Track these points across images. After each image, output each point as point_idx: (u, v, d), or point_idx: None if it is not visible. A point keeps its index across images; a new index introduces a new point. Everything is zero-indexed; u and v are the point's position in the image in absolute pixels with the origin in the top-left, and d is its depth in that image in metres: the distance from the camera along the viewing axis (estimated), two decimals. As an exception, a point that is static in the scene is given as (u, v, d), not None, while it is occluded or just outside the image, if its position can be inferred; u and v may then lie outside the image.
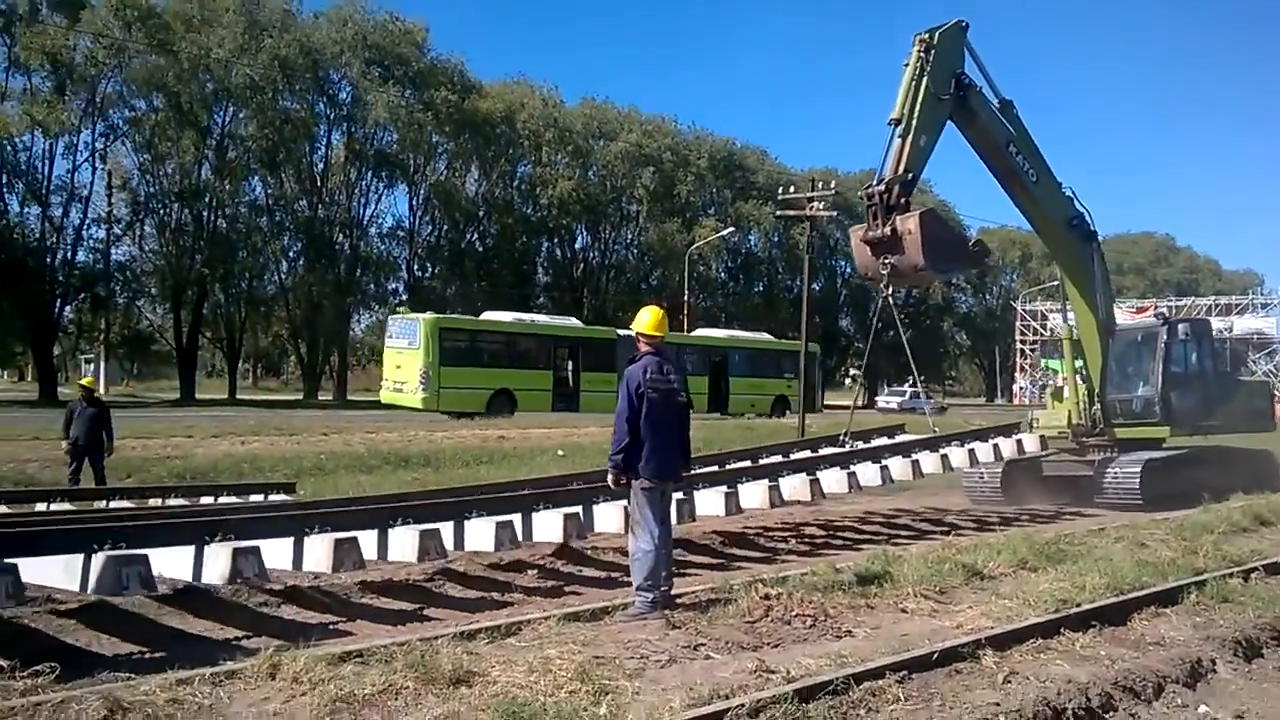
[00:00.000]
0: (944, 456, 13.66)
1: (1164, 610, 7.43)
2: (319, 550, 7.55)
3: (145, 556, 6.47)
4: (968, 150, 14.31)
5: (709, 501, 10.52)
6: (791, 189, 33.66)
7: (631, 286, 60.58)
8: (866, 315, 73.41)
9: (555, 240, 62.33)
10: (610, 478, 7.12)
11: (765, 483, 11.40)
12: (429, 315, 34.42)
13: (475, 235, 58.49)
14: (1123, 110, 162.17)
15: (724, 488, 10.80)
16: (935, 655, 5.72)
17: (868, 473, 12.73)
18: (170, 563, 7.10)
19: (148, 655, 6.04)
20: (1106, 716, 5.43)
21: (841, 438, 14.56)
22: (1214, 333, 20.99)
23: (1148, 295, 67.86)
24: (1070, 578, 7.99)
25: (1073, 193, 15.29)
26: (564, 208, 57.43)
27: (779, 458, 14.02)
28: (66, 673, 5.00)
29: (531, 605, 7.60)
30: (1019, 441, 15.13)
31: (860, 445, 14.57)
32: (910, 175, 12.56)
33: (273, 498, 12.58)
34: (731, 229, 59.59)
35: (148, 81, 45.00)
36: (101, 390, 47.38)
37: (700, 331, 45.09)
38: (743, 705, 4.61)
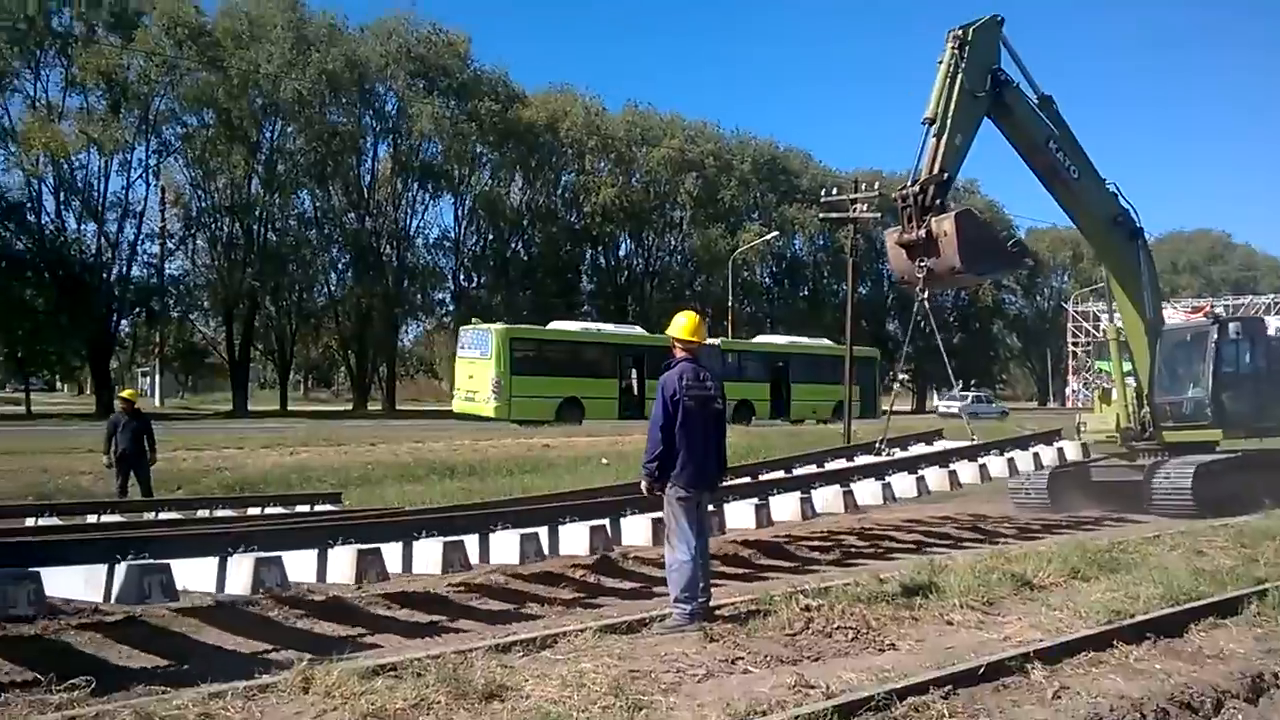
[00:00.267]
0: (982, 466, 13.16)
1: (1223, 621, 7.16)
2: (343, 562, 7.50)
3: (167, 566, 6.47)
4: (1011, 148, 14.05)
5: (739, 514, 10.25)
6: (835, 191, 33.37)
7: (675, 293, 60.42)
8: (923, 319, 72.61)
9: (599, 248, 62.41)
10: (644, 486, 7.02)
11: (797, 494, 11.09)
12: (500, 326, 34.99)
13: (520, 244, 58.79)
14: (1175, 104, 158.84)
15: (755, 499, 10.48)
16: (982, 669, 5.55)
17: (903, 484, 12.34)
18: (194, 575, 7.12)
19: (176, 669, 6.04)
20: (1162, 734, 5.22)
21: (878, 445, 14.27)
22: (1269, 331, 20.31)
23: (1203, 294, 66.16)
24: (1124, 588, 7.76)
25: (1117, 189, 14.94)
26: (607, 215, 57.50)
27: (813, 467, 13.70)
28: (99, 686, 5.02)
29: (570, 617, 7.52)
30: (1060, 450, 14.51)
31: (897, 452, 14.22)
32: (946, 175, 12.32)
33: (318, 507, 12.65)
34: (775, 233, 59.27)
35: (198, 98, 45.85)
36: (156, 403, 48.63)
37: (761, 338, 45.26)
38: (779, 722, 4.50)
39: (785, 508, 10.77)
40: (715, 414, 6.98)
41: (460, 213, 56.47)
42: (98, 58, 42.82)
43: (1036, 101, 14.01)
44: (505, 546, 8.48)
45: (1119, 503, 15.25)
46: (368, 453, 22.04)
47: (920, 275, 12.18)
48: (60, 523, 10.80)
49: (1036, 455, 13.93)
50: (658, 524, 9.00)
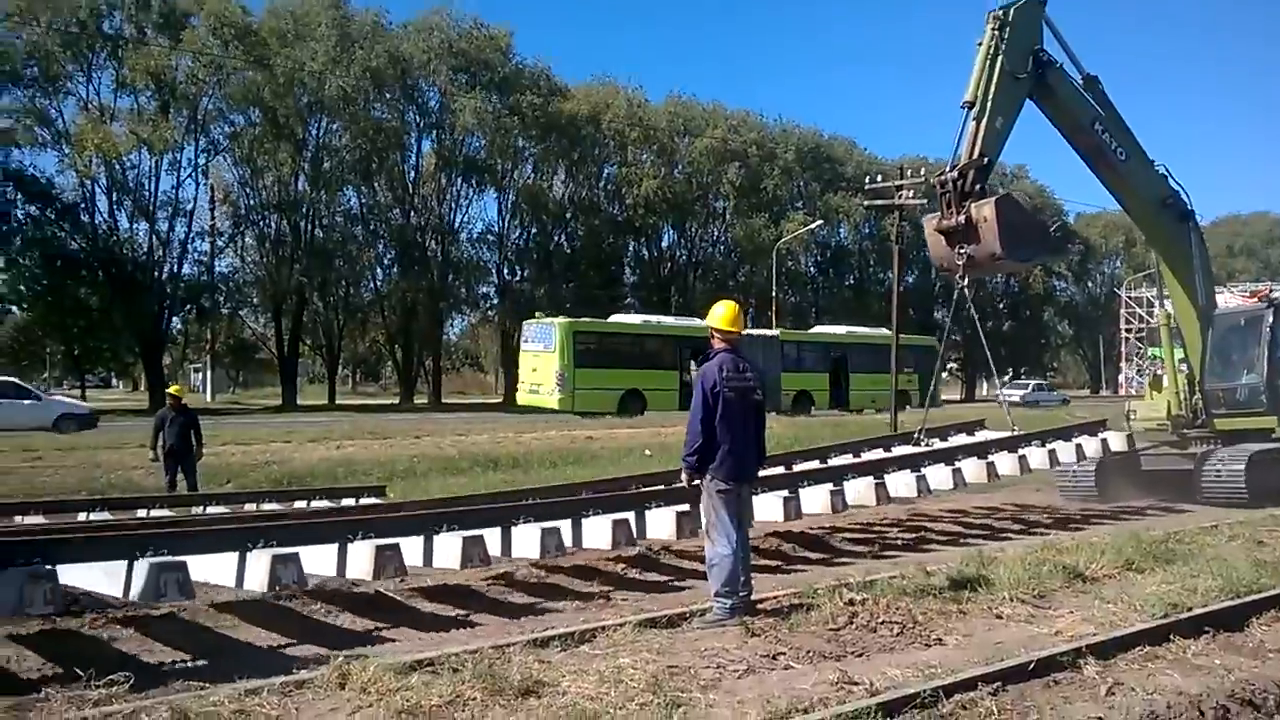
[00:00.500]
0: (1022, 458, 12.72)
1: (1286, 615, 6.91)
2: (362, 556, 7.45)
3: (184, 564, 6.49)
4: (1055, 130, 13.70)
5: (767, 506, 9.96)
6: (880, 178, 32.99)
7: (719, 283, 60.15)
8: (964, 307, 71.71)
9: (642, 239, 62.27)
10: (684, 479, 6.95)
11: (828, 486, 10.81)
12: (563, 319, 35.63)
13: (563, 237, 58.87)
14: (1229, 85, 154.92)
15: (784, 492, 10.21)
16: (1032, 665, 5.38)
17: (938, 476, 11.95)
18: (214, 571, 7.15)
19: (212, 665, 6.04)
20: (1222, 732, 5.01)
21: (917, 435, 14.00)
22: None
23: (1260, 278, 64.40)
24: (1180, 579, 7.52)
25: (1166, 170, 14.48)
26: (650, 206, 57.39)
27: (849, 457, 13.48)
28: (136, 683, 5.04)
29: (609, 610, 7.43)
30: (1104, 441, 13.91)
31: (936, 443, 13.91)
32: (986, 160, 11.98)
33: (362, 500, 12.72)
34: (820, 222, 58.77)
35: (245, 97, 46.53)
36: (208, 398, 49.51)
37: (819, 329, 45.34)
38: (822, 720, 4.38)
39: (815, 500, 10.52)
40: (755, 405, 6.86)
41: (504, 206, 56.83)
42: (147, 59, 43.63)
43: (1081, 82, 13.61)
44: (528, 540, 8.36)
45: (1169, 492, 14.79)
46: (413, 446, 22.19)
47: (960, 262, 11.85)
48: (110, 518, 10.99)
49: (1079, 446, 13.47)
50: (682, 517, 9.02)
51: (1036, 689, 5.20)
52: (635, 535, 9.05)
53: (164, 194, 46.59)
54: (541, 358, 34.62)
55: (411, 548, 7.85)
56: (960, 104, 12.20)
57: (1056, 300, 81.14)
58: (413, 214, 53.04)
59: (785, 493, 10.14)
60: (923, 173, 32.55)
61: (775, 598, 7.12)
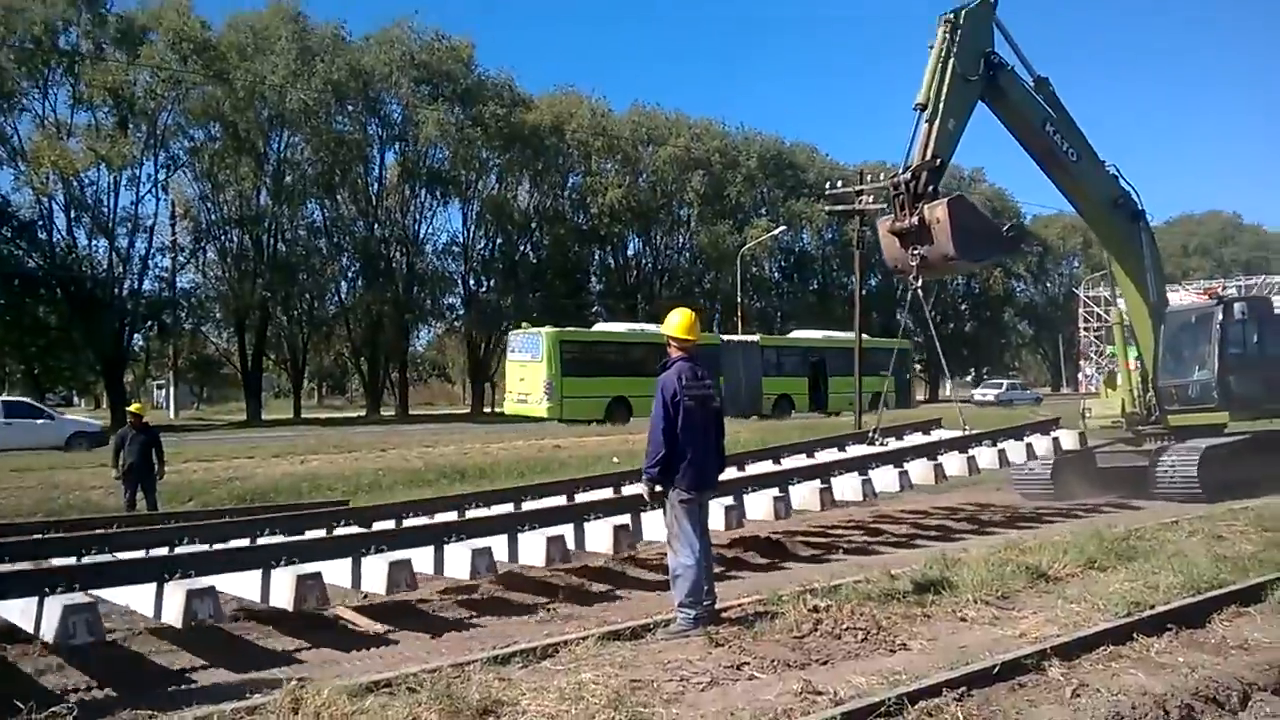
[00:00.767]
0: (971, 459, 12.57)
1: (1246, 609, 6.96)
2: (283, 585, 7.21)
3: (93, 604, 6.29)
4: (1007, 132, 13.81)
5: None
6: (840, 184, 33.21)
7: (685, 290, 60.20)
8: (920, 309, 72.22)
9: (607, 248, 62.21)
10: (645, 492, 6.84)
11: (773, 491, 10.61)
12: (550, 329, 35.88)
13: (528, 247, 58.64)
14: (1180, 85, 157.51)
15: (728, 499, 9.91)
16: (997, 668, 5.37)
17: (885, 478, 11.73)
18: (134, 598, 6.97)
19: (157, 692, 5.90)
20: (1187, 731, 5.01)
21: (871, 435, 14.02)
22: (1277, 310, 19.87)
23: (1215, 276, 65.45)
24: (1143, 577, 7.57)
25: (1117, 170, 14.70)
26: (615, 215, 57.34)
27: (803, 458, 13.37)
28: (83, 713, 4.89)
29: (574, 624, 7.34)
30: (1055, 440, 13.81)
31: (891, 442, 13.91)
32: (939, 161, 12.08)
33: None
34: (783, 228, 59.05)
35: (205, 111, 45.90)
36: (171, 415, 48.82)
37: (797, 333, 45.67)
38: (785, 732, 4.33)
39: (759, 506, 10.29)
40: (714, 413, 6.82)
41: (468, 217, 56.48)
42: (104, 74, 42.91)
43: (1032, 84, 13.77)
44: (460, 561, 8.08)
45: (1125, 489, 14.95)
46: (378, 459, 21.95)
47: (914, 264, 11.91)
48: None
49: (1029, 446, 13.42)
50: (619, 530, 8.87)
51: (1002, 693, 5.18)
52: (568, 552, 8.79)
53: (123, 210, 45.85)
54: (529, 367, 34.93)
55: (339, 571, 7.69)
56: (913, 106, 12.27)
57: (1017, 301, 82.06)
58: (377, 226, 52.62)
59: (730, 500, 9.92)
60: (882, 177, 32.79)
61: (740, 605, 7.07)
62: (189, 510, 13.90)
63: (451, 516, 10.40)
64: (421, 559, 8.07)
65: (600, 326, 40.48)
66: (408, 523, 9.99)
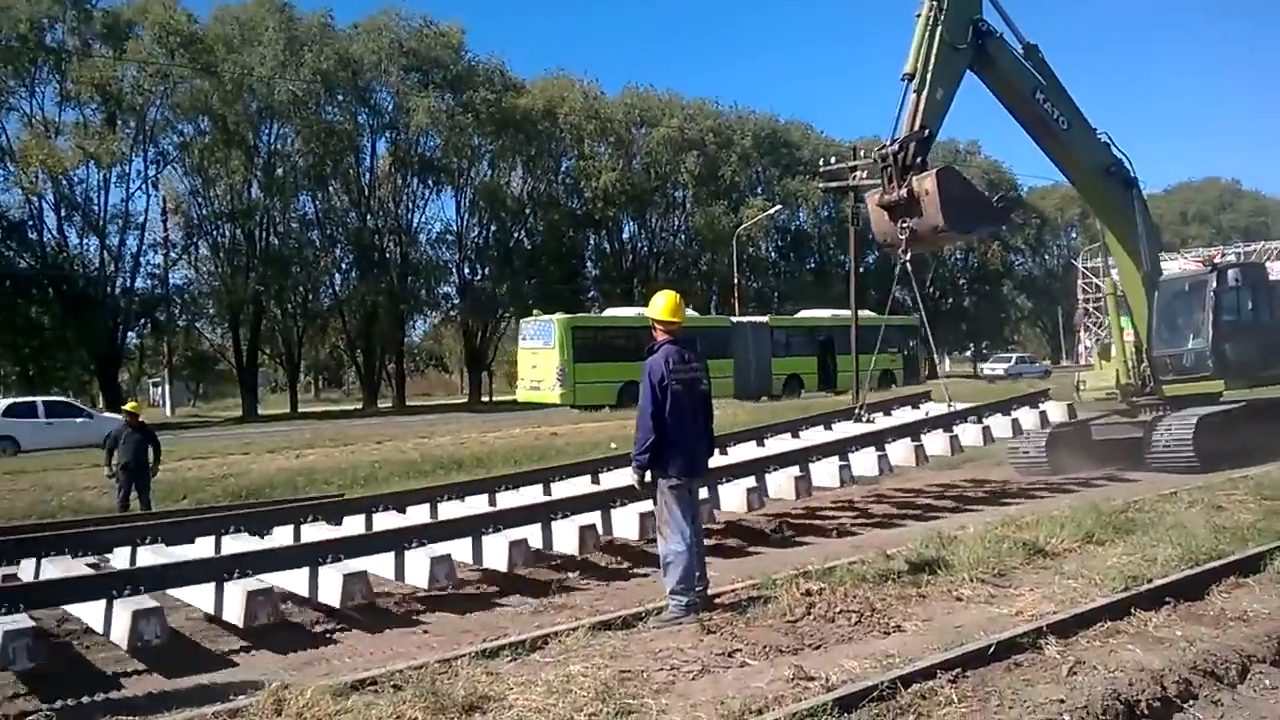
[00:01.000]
0: (954, 438, 12.15)
1: (1245, 580, 6.89)
2: (234, 600, 7.03)
3: (30, 629, 6.13)
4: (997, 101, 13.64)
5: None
6: (833, 161, 33.02)
7: (681, 273, 60.00)
8: (924, 285, 72.18)
9: (602, 232, 61.91)
10: (635, 479, 6.73)
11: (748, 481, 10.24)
12: (561, 316, 36.26)
13: (522, 233, 58.37)
14: (1177, 50, 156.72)
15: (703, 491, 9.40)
16: (992, 648, 5.29)
17: (865, 461, 11.33)
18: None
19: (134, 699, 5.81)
20: (1185, 706, 4.92)
21: (857, 411, 13.83)
22: (1275, 276, 19.70)
23: (1214, 243, 65.26)
24: (1140, 550, 7.48)
25: (1109, 138, 14.51)
26: (609, 199, 57.03)
27: (787, 437, 13.17)
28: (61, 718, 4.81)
29: (565, 614, 7.24)
30: (1043, 413, 13.48)
31: (879, 418, 13.71)
32: (927, 132, 11.90)
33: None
34: (779, 207, 58.79)
35: (193, 105, 45.65)
36: (168, 412, 48.77)
37: (805, 313, 45.56)
38: (776, 720, 4.24)
39: (732, 497, 10.00)
40: (703, 395, 6.72)
41: (461, 205, 56.15)
42: (91, 71, 42.77)
43: (1021, 51, 13.59)
44: (421, 568, 7.85)
45: (1122, 461, 14.81)
46: (374, 451, 21.89)
47: (903, 237, 11.72)
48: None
49: (1015, 421, 13.14)
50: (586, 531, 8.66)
51: (998, 673, 5.10)
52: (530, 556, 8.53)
53: (114, 207, 45.70)
54: (541, 354, 35.11)
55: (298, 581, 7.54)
56: (900, 76, 12.11)
57: (1015, 274, 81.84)
58: (369, 217, 52.33)
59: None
60: (876, 152, 32.55)
61: (733, 590, 6.99)
62: (170, 510, 13.78)
63: (425, 512, 10.39)
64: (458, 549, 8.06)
65: (611, 312, 40.54)
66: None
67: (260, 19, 46.98)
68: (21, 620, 6.16)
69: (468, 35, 53.68)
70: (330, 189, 51.86)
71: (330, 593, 7.36)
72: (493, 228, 57.05)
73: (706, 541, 7.74)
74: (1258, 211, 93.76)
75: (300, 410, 51.20)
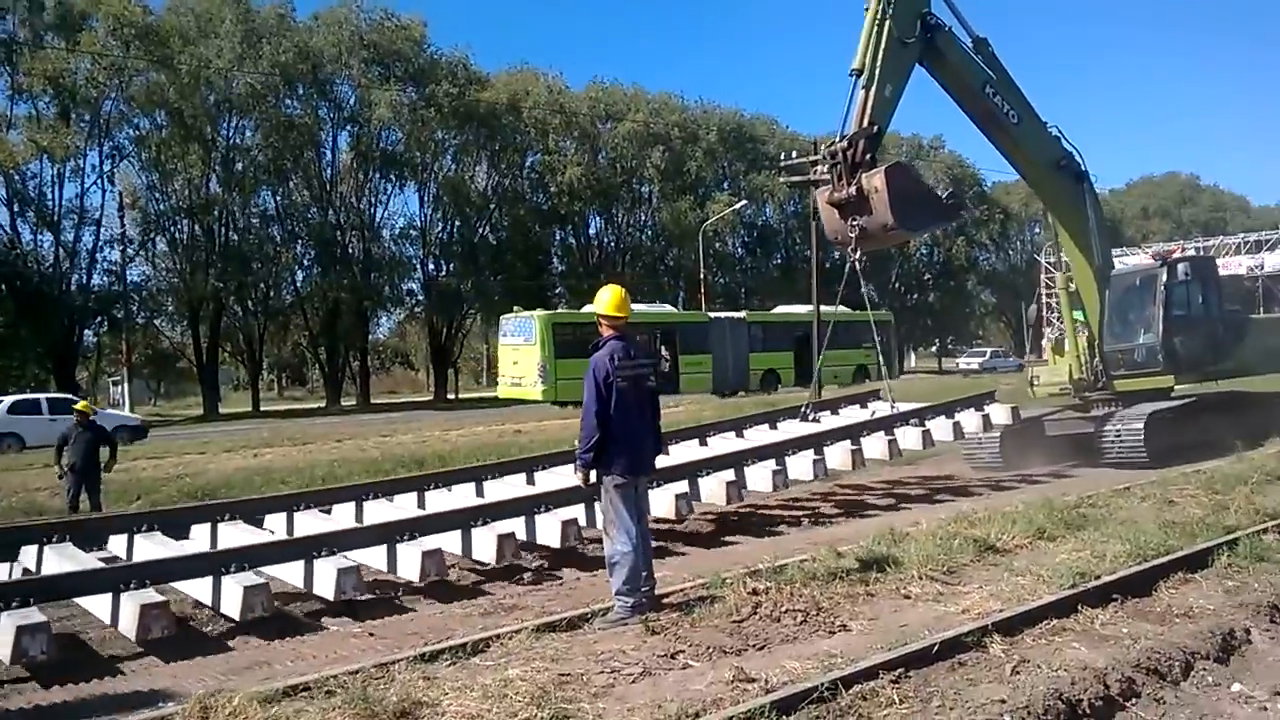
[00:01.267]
0: (891, 441, 11.94)
1: (1193, 576, 6.91)
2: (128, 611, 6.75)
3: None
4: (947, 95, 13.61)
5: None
6: (794, 155, 33.01)
7: (648, 268, 59.91)
8: (889, 280, 72.54)
9: (568, 228, 61.61)
10: (579, 477, 6.62)
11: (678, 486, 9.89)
12: (542, 312, 36.59)
13: (487, 229, 57.91)
14: (1138, 47, 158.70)
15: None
16: (936, 647, 5.24)
17: (800, 466, 11.08)
18: None
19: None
20: (1128, 704, 4.90)
21: (804, 410, 13.65)
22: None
23: (1174, 237, 66.12)
24: (1090, 546, 7.49)
25: (1060, 132, 14.56)
26: (575, 194, 56.79)
27: (731, 435, 13.00)
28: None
29: (511, 616, 7.11)
30: (986, 417, 13.27)
31: (825, 416, 13.62)
32: (876, 128, 11.85)
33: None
34: (744, 202, 58.82)
35: (149, 98, 44.83)
36: (128, 411, 47.94)
37: (782, 309, 45.66)
38: (711, 724, 4.16)
39: (662, 503, 9.53)
40: (649, 393, 6.63)
41: (425, 200, 55.66)
42: (44, 63, 41.92)
43: (971, 45, 13.55)
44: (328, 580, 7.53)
45: (1076, 456, 14.83)
46: (334, 450, 21.60)
47: (853, 235, 11.66)
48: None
49: (957, 425, 12.93)
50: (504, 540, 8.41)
51: (941, 672, 5.05)
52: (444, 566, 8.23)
53: (68, 202, 44.90)
54: (522, 350, 35.23)
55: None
56: (849, 72, 12.03)
57: (980, 270, 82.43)
58: (331, 212, 51.68)
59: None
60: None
61: (682, 590, 6.90)
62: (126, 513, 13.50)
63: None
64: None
65: (589, 308, 40.40)
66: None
67: (217, 10, 46.28)
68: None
69: (429, 28, 53.22)
70: (291, 184, 51.16)
71: (232, 604, 7.13)
72: (457, 223, 56.58)
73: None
74: (1217, 207, 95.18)
75: (263, 409, 50.55)
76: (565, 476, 10.63)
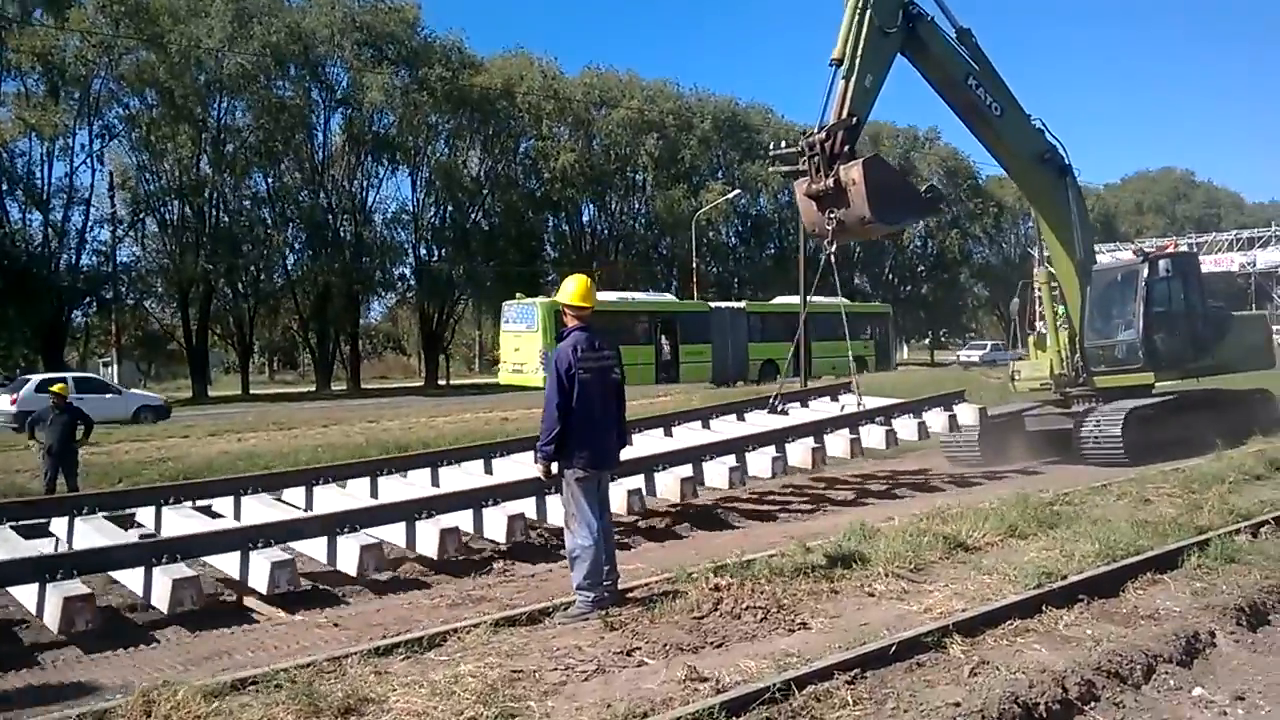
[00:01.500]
0: (854, 440, 11.80)
1: (1161, 577, 6.86)
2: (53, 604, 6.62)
3: None
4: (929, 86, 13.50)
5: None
6: (783, 144, 32.94)
7: (641, 257, 59.71)
8: (883, 272, 72.49)
9: (561, 215, 61.38)
10: (540, 470, 6.53)
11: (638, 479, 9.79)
12: (544, 299, 36.12)
13: (480, 215, 57.60)
14: (1136, 44, 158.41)
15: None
16: (894, 648, 5.18)
17: (759, 463, 10.89)
18: None
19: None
20: (1086, 708, 4.85)
21: (772, 401, 13.56)
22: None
23: (1167, 233, 66.18)
24: (1060, 545, 7.44)
25: (1043, 125, 14.44)
26: (568, 180, 56.52)
27: (697, 425, 12.99)
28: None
29: (475, 609, 7.03)
30: (952, 417, 13.08)
31: (794, 409, 13.58)
32: (855, 120, 11.70)
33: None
34: (738, 191, 58.66)
35: (139, 77, 44.37)
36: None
37: (781, 299, 45.55)
38: (658, 726, 4.10)
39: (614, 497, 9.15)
40: (614, 385, 6.54)
41: (417, 185, 55.29)
42: (32, 40, 41.49)
43: (954, 35, 13.41)
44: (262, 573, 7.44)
45: (1055, 451, 14.77)
46: (320, 435, 21.52)
47: (830, 228, 11.55)
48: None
49: (922, 425, 12.72)
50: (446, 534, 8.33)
51: (898, 673, 5.00)
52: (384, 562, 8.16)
53: (57, 182, 44.44)
54: (524, 337, 35.31)
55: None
56: (829, 62, 11.89)
57: (973, 263, 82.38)
58: (323, 195, 51.27)
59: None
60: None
61: (646, 584, 6.84)
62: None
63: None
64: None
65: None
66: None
67: (207, -11, 45.91)
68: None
69: (423, 10, 52.75)
70: (282, 166, 50.74)
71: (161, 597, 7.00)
72: (449, 208, 56.28)
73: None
74: (1210, 202, 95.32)
75: (252, 392, 50.44)
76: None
